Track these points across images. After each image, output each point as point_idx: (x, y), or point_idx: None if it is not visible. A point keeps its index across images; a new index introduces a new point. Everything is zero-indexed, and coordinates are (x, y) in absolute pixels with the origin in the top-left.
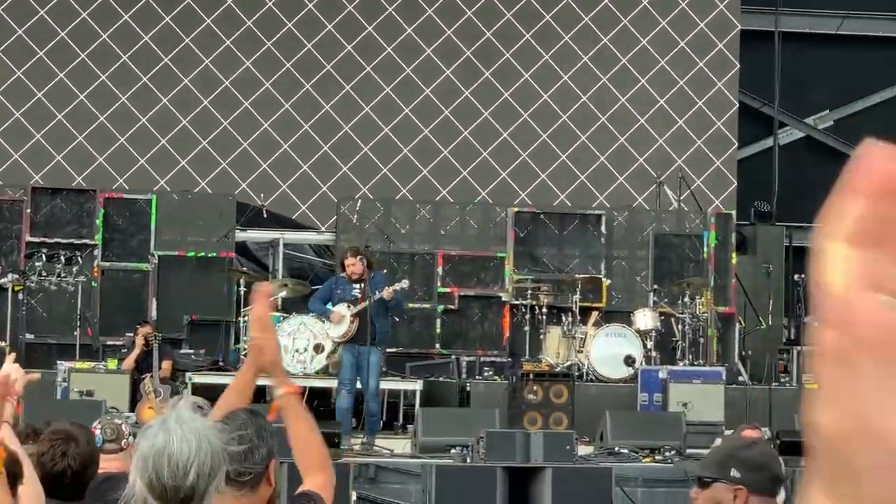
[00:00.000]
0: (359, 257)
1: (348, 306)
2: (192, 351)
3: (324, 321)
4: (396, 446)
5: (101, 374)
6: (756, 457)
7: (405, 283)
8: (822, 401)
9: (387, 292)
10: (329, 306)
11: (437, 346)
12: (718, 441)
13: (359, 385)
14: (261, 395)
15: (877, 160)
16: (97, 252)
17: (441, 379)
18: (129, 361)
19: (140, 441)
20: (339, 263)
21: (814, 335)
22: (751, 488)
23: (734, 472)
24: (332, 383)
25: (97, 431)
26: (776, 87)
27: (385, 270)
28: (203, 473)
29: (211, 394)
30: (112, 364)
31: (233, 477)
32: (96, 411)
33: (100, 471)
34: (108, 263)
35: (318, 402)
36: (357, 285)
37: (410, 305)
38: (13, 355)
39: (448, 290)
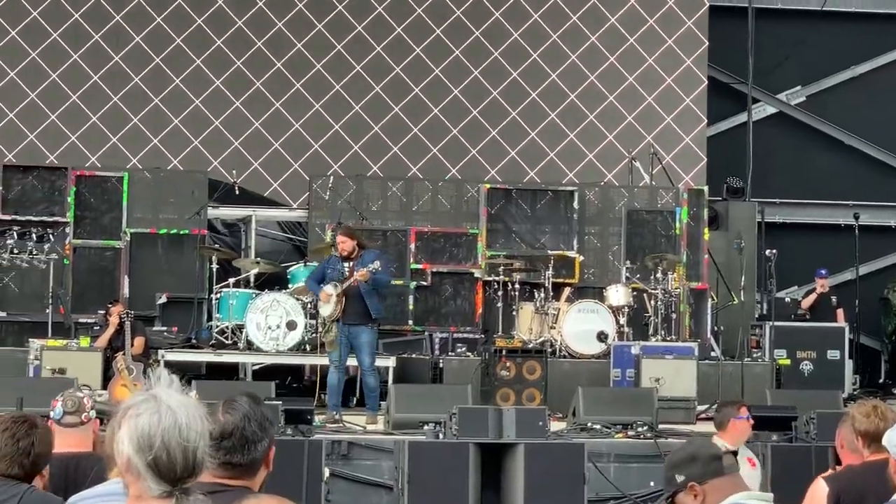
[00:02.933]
0: (347, 235)
1: (335, 285)
2: (164, 328)
3: (313, 299)
4: (369, 423)
5: (74, 351)
6: (684, 455)
7: (377, 265)
8: None
9: (360, 274)
10: (322, 285)
11: (410, 322)
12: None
13: (354, 363)
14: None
15: None
16: (69, 230)
17: (414, 356)
18: (103, 340)
19: (135, 418)
20: (332, 243)
21: None
22: (697, 480)
23: (678, 477)
24: (304, 360)
25: (58, 404)
26: (749, 64)
27: (376, 251)
28: (204, 448)
29: (184, 371)
30: (84, 342)
31: (234, 463)
32: (69, 389)
33: (61, 449)
34: (80, 241)
35: (292, 378)
36: (347, 264)
37: None
38: None
39: (420, 266)
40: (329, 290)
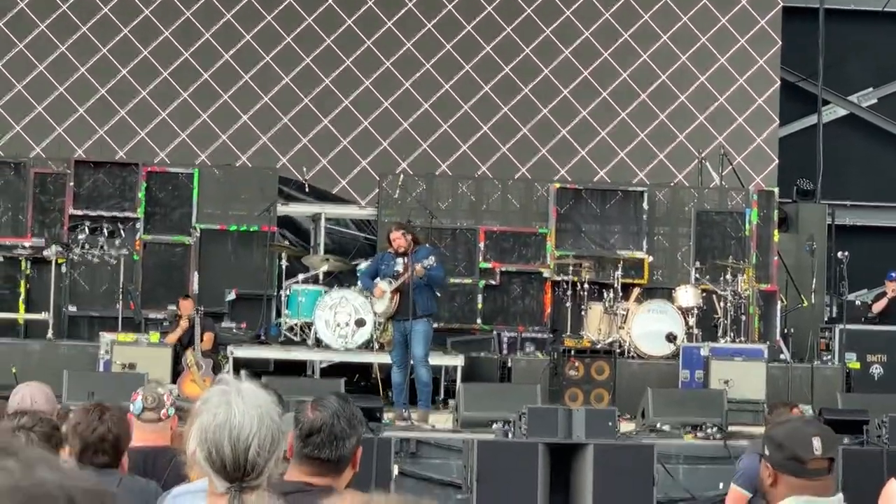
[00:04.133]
0: (401, 231)
1: (389, 281)
2: (233, 325)
3: (367, 296)
4: (438, 421)
5: (144, 346)
6: (778, 435)
7: (432, 260)
8: None
9: (418, 269)
10: (376, 281)
11: (479, 321)
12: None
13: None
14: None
15: None
16: (139, 225)
17: (482, 355)
18: (173, 337)
19: (201, 414)
20: (386, 238)
21: None
22: (774, 467)
23: (766, 450)
24: (371, 358)
25: (138, 398)
26: (820, 64)
27: (429, 247)
28: (263, 448)
29: (252, 368)
30: (154, 337)
31: (322, 458)
32: (138, 384)
33: (138, 443)
34: (150, 237)
35: (360, 376)
36: (401, 259)
37: (452, 281)
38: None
39: (489, 265)
40: (383, 286)
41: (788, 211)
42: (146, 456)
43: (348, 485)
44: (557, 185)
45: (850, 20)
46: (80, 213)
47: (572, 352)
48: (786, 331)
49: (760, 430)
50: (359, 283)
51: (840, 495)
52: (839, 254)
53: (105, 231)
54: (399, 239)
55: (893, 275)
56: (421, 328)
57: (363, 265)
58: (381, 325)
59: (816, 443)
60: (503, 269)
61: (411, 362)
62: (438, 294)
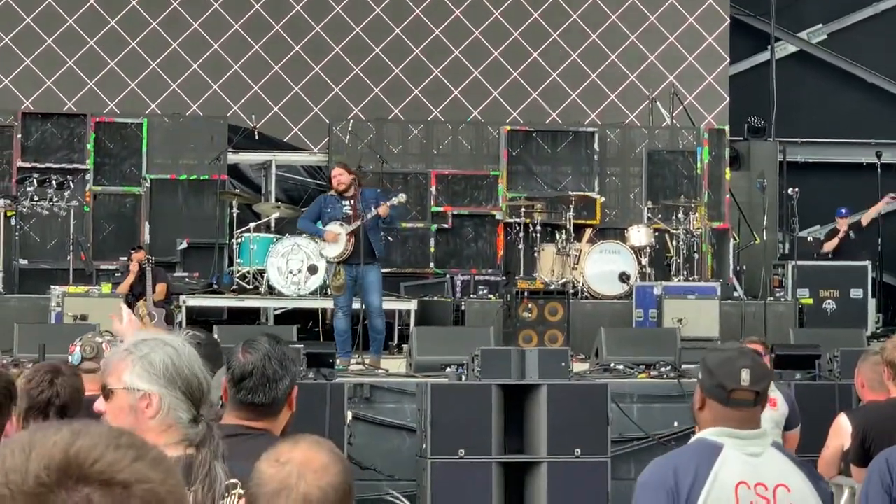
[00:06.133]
0: (342, 167)
1: (341, 224)
2: (185, 274)
3: (316, 241)
4: (391, 366)
5: (95, 298)
6: (711, 360)
7: (402, 197)
8: None
9: (383, 208)
10: (319, 225)
11: (432, 265)
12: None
13: (356, 305)
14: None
15: None
16: (89, 177)
17: (435, 298)
18: (124, 287)
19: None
20: (328, 180)
21: None
22: (703, 391)
23: (699, 374)
24: (325, 304)
25: (76, 349)
26: (772, 2)
27: (378, 190)
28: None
29: (205, 316)
30: (106, 288)
31: (256, 403)
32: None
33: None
34: (99, 188)
35: (312, 322)
36: (347, 202)
37: (404, 225)
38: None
39: (441, 209)
40: (336, 229)
41: (740, 149)
42: (89, 404)
43: (287, 425)
44: (508, 128)
45: None
46: (28, 165)
47: (525, 293)
48: (738, 268)
49: None
50: (299, 226)
51: (766, 428)
52: (790, 190)
53: (54, 183)
54: (340, 175)
55: (843, 211)
56: (375, 275)
57: None
58: (335, 269)
59: (745, 374)
60: (455, 212)
61: (363, 308)
62: (389, 238)
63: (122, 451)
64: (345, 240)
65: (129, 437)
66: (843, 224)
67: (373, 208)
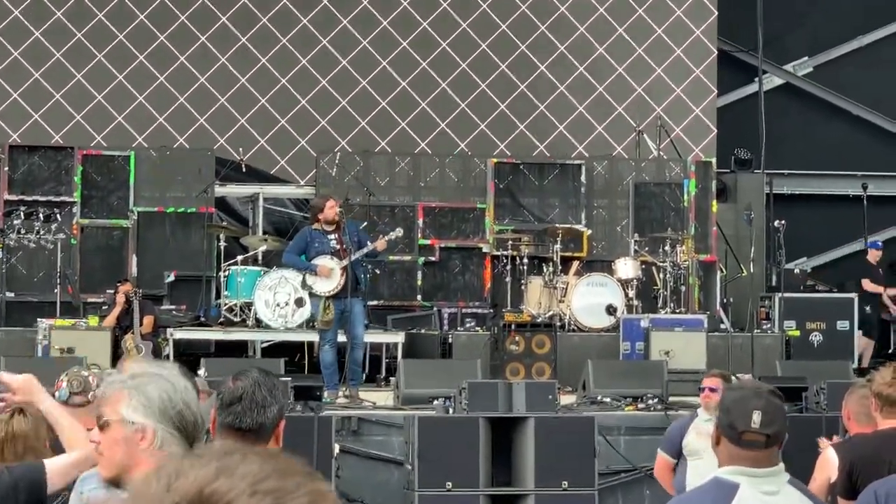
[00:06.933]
0: (335, 200)
1: (331, 258)
2: (173, 307)
3: (306, 275)
4: (379, 398)
5: (82, 330)
6: (727, 399)
7: (399, 232)
8: None
9: (381, 243)
10: (303, 258)
11: (419, 297)
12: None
13: (341, 338)
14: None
15: None
16: (76, 209)
17: (423, 331)
18: (111, 319)
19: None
20: (312, 216)
21: None
22: (718, 428)
23: (718, 410)
24: (313, 337)
25: (63, 384)
26: (759, 35)
27: (357, 221)
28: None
29: (193, 350)
30: (93, 321)
31: (244, 427)
32: (73, 368)
33: None
34: (87, 221)
35: (300, 356)
36: (333, 236)
37: (391, 258)
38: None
39: (428, 241)
40: (330, 263)
41: (726, 181)
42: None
43: None
44: (495, 160)
45: None
46: (15, 198)
47: (513, 326)
48: (725, 300)
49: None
50: (284, 261)
51: (782, 465)
52: (776, 222)
53: (41, 216)
54: (334, 207)
55: (879, 244)
56: (360, 309)
57: None
58: (324, 304)
59: (756, 416)
60: (442, 244)
61: (346, 342)
62: (377, 271)
63: (258, 498)
64: (338, 274)
65: (276, 481)
66: (874, 256)
67: (368, 242)
